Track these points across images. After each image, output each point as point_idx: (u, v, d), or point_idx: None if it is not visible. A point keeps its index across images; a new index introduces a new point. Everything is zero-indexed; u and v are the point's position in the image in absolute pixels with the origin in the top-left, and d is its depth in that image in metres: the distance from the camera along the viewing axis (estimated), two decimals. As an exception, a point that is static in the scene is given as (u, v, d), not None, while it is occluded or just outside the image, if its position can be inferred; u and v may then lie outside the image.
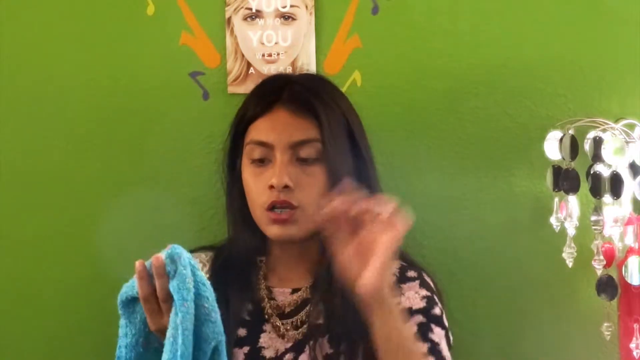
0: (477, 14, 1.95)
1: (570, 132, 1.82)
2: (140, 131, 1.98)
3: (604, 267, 1.80)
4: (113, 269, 1.93)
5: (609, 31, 1.95)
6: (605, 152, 1.77)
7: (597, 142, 1.79)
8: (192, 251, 1.50)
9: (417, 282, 1.66)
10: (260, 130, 1.66)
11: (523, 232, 1.96)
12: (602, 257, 1.79)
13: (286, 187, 1.61)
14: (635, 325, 1.80)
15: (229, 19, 1.96)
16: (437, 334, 1.59)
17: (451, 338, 1.63)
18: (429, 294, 1.64)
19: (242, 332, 1.65)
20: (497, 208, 1.96)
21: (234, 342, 1.61)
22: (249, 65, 1.96)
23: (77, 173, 1.98)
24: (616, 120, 1.85)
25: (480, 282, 1.94)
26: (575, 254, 1.84)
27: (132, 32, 1.97)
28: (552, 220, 1.88)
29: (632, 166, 1.79)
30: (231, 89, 1.97)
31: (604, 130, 1.81)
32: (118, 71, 1.97)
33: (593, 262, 1.79)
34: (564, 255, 1.85)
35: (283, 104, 1.67)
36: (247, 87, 1.95)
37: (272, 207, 1.62)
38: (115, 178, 1.98)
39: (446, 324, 1.63)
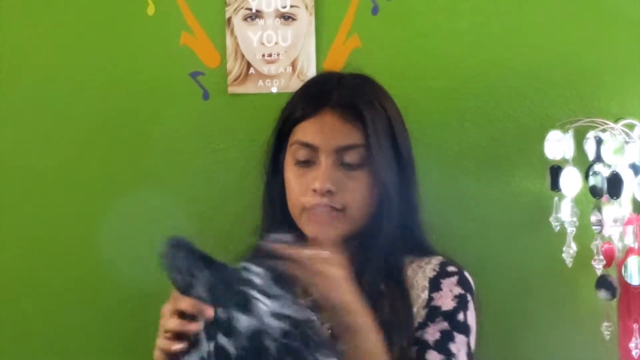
0: (477, 14, 1.96)
1: (570, 132, 1.82)
2: (140, 131, 1.98)
3: (604, 267, 1.80)
4: (113, 269, 1.95)
5: (609, 31, 1.95)
6: (605, 152, 1.78)
7: (597, 142, 1.79)
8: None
9: (456, 277, 1.65)
10: (307, 131, 1.65)
11: (523, 232, 1.96)
12: (601, 257, 1.79)
13: (329, 191, 1.61)
14: (635, 325, 1.80)
15: (229, 19, 1.97)
16: (458, 343, 1.58)
17: (472, 342, 1.62)
18: (463, 292, 1.64)
19: None
20: (497, 208, 1.96)
21: None
22: (249, 65, 1.97)
23: (77, 173, 1.99)
24: (616, 120, 1.85)
25: (480, 282, 1.93)
26: (575, 253, 1.84)
27: (132, 32, 1.98)
28: (552, 220, 1.88)
29: (632, 166, 1.79)
30: (231, 89, 1.97)
31: (604, 130, 1.82)
32: (118, 71, 1.98)
33: (593, 262, 1.79)
34: (564, 255, 1.85)
35: (331, 107, 1.65)
36: (247, 88, 1.96)
37: (312, 208, 1.63)
38: (115, 178, 1.98)
39: (471, 327, 1.62)
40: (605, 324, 1.81)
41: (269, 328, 1.35)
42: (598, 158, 1.79)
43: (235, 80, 1.97)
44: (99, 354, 1.98)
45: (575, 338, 1.94)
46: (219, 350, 1.34)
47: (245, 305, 1.35)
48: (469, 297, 1.64)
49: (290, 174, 1.66)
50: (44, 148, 1.99)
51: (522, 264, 1.95)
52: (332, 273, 1.43)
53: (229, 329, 1.35)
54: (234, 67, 1.97)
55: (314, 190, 1.62)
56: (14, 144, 1.99)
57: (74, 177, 1.99)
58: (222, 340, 1.34)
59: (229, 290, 1.36)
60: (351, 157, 1.63)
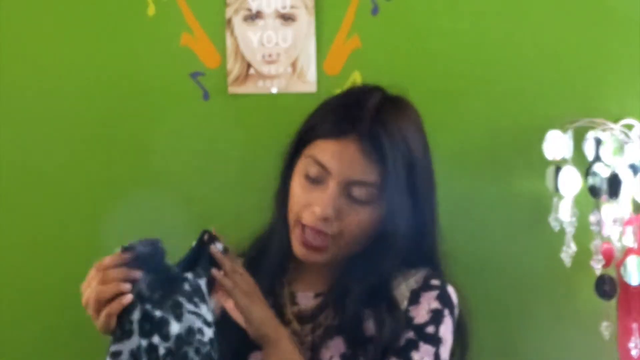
0: (477, 14, 1.96)
1: (570, 132, 1.83)
2: (140, 132, 1.98)
3: (603, 266, 1.80)
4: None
5: (609, 31, 1.96)
6: (605, 152, 1.78)
7: (597, 142, 1.80)
8: None
9: (436, 292, 1.64)
10: (326, 152, 1.61)
11: (523, 232, 1.96)
12: (601, 257, 1.79)
13: (327, 218, 1.60)
14: (634, 325, 1.80)
15: (229, 19, 1.97)
16: (423, 352, 1.58)
17: (443, 353, 1.60)
18: (439, 307, 1.62)
19: None
20: (497, 208, 1.96)
21: (252, 346, 1.59)
22: (249, 65, 1.97)
23: (78, 173, 1.99)
24: (615, 121, 1.85)
25: (480, 282, 1.94)
26: (574, 253, 1.84)
27: (133, 32, 1.98)
28: (551, 220, 1.88)
29: (632, 166, 1.80)
30: (231, 90, 1.97)
31: (604, 130, 1.82)
32: (118, 72, 1.98)
33: (592, 262, 1.80)
34: (563, 255, 1.85)
35: (358, 136, 1.60)
36: (247, 88, 1.96)
37: (305, 227, 1.62)
38: (116, 178, 1.98)
39: (443, 339, 1.61)
40: (604, 323, 1.81)
41: (196, 335, 1.44)
42: (597, 158, 1.80)
43: (235, 80, 1.97)
44: (98, 353, 1.98)
45: (575, 338, 1.94)
46: (151, 348, 1.41)
47: (179, 313, 1.44)
48: (446, 312, 1.63)
49: (297, 183, 1.64)
50: (44, 148, 1.99)
51: (522, 264, 1.95)
52: (251, 288, 1.53)
53: (164, 331, 1.41)
54: (234, 68, 1.97)
55: (313, 212, 1.60)
56: (14, 144, 1.99)
57: (74, 177, 1.99)
58: (156, 340, 1.41)
59: (167, 295, 1.44)
60: (360, 193, 1.60)
